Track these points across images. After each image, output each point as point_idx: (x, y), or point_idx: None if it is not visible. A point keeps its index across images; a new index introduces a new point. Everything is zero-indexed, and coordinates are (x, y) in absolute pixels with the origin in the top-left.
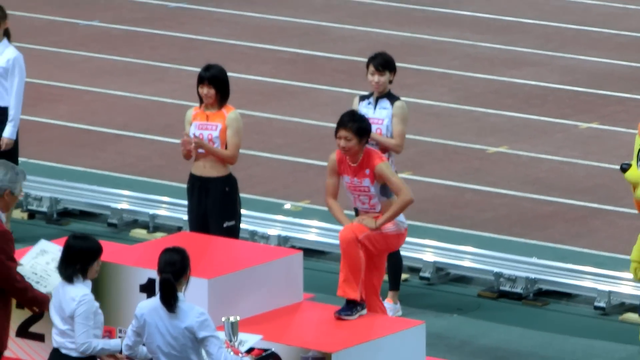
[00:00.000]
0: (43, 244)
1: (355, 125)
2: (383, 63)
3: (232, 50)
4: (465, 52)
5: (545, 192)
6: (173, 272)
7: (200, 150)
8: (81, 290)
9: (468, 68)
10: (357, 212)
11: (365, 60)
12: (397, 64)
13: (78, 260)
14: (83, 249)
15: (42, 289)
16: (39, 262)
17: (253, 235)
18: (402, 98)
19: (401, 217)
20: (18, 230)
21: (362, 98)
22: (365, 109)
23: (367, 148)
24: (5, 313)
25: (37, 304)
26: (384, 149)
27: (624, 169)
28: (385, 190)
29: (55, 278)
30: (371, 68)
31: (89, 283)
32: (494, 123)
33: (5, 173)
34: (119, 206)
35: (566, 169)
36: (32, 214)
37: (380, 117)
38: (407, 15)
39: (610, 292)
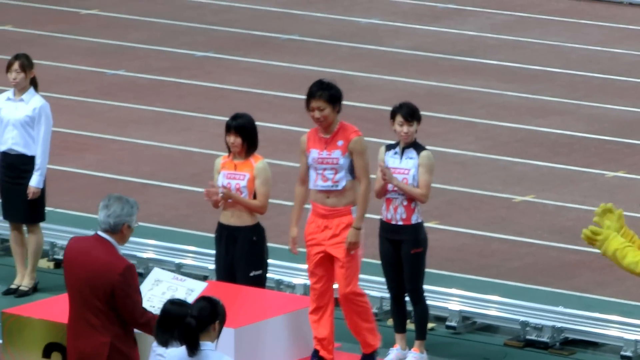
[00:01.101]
0: (156, 272)
1: (326, 93)
2: (411, 113)
3: (258, 99)
4: (491, 101)
5: (572, 241)
6: (198, 319)
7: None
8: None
9: (494, 117)
10: (315, 195)
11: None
12: (423, 113)
13: (173, 327)
14: (179, 316)
15: None
16: (155, 293)
17: (279, 284)
18: (428, 147)
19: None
20: (44, 280)
21: (389, 148)
22: (391, 159)
23: (342, 122)
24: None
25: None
26: (411, 198)
27: None
28: (352, 168)
29: None
30: (399, 119)
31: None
32: (520, 172)
33: (122, 208)
34: (145, 255)
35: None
36: (58, 264)
37: (407, 167)
38: (434, 64)
39: (637, 341)
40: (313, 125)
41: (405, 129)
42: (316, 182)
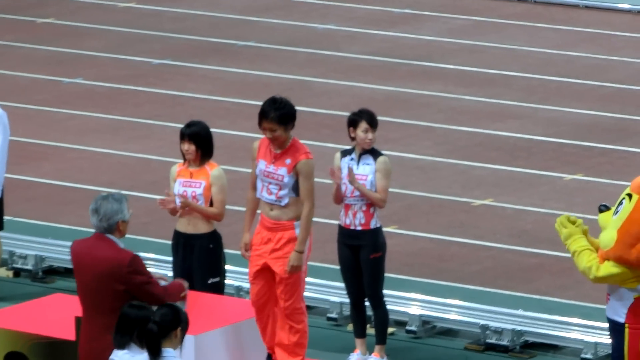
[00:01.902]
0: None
1: (277, 113)
2: (374, 120)
3: (216, 106)
4: (449, 106)
5: (531, 245)
6: (159, 324)
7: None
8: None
9: (452, 121)
10: (261, 205)
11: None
12: (381, 118)
13: (131, 329)
14: (137, 318)
15: None
16: None
17: (238, 290)
18: (387, 152)
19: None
20: (3, 289)
21: (345, 154)
22: (347, 165)
23: (295, 140)
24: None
25: (175, 296)
26: (370, 203)
27: (601, 210)
28: (297, 187)
29: None
30: (364, 125)
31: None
32: (479, 176)
33: (110, 207)
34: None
35: (552, 221)
36: (17, 272)
37: (364, 173)
38: (391, 70)
39: (597, 344)
40: None
41: (370, 135)
42: (262, 192)
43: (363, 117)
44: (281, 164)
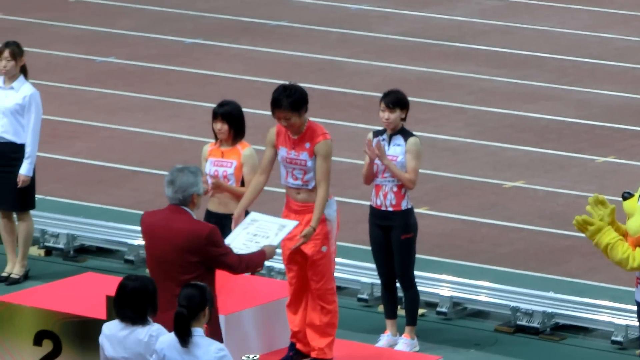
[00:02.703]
0: (253, 214)
1: (289, 101)
2: (394, 100)
3: (248, 85)
4: (480, 87)
5: (562, 227)
6: (188, 307)
7: None
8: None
9: (484, 103)
10: (287, 190)
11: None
12: (413, 99)
13: (130, 301)
14: (136, 290)
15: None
16: (249, 231)
17: (270, 271)
18: (418, 133)
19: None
20: (35, 268)
21: (376, 134)
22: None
23: (311, 122)
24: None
25: (256, 265)
26: (400, 184)
27: (625, 197)
28: None
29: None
30: (382, 105)
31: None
32: (510, 158)
33: (186, 179)
34: (136, 242)
35: (583, 203)
36: (49, 251)
37: (394, 154)
38: (423, 50)
39: (627, 326)
40: None
41: (386, 115)
42: (287, 179)
43: (383, 97)
44: (301, 148)
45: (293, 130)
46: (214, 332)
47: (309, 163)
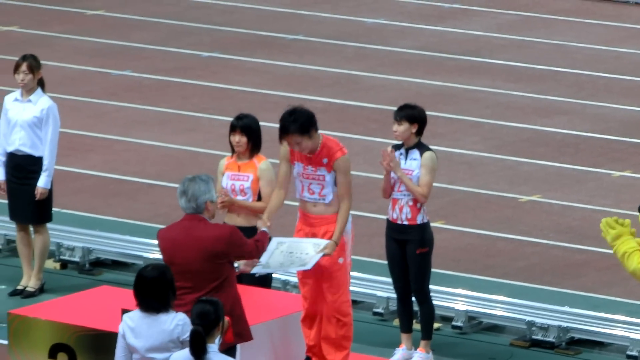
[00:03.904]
0: (276, 239)
1: (296, 126)
2: (402, 114)
3: (264, 99)
4: (497, 101)
5: (578, 241)
6: (204, 325)
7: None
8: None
9: (500, 117)
10: (302, 204)
11: None
12: (429, 113)
13: (152, 290)
14: (154, 278)
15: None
16: (282, 249)
17: (285, 284)
18: (434, 147)
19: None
20: (51, 281)
21: (395, 148)
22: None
23: (326, 137)
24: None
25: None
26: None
27: None
28: None
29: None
30: (393, 118)
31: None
32: (526, 172)
33: (198, 187)
34: (151, 256)
35: (599, 218)
36: (64, 264)
37: (410, 167)
38: (439, 64)
39: None
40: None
41: (394, 127)
42: (303, 193)
43: (396, 110)
44: (319, 164)
45: (307, 152)
46: (240, 333)
47: (328, 177)
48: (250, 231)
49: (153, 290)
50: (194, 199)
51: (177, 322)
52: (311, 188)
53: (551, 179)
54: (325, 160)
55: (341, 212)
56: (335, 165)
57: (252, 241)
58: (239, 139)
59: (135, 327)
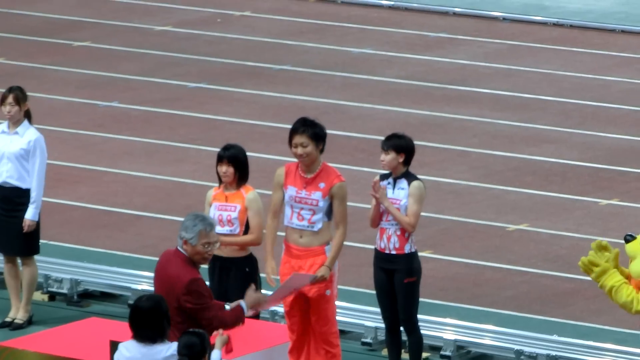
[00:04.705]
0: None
1: (310, 130)
2: (389, 144)
3: (251, 130)
4: (484, 130)
5: (566, 270)
6: (189, 355)
7: (220, 231)
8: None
9: (487, 146)
10: (288, 232)
11: None
12: (416, 142)
13: (148, 321)
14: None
15: None
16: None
17: (274, 315)
18: (422, 176)
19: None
20: (39, 313)
21: (382, 177)
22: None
23: (325, 163)
24: None
25: (232, 323)
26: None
27: (627, 240)
28: (331, 210)
29: None
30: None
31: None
32: (513, 201)
33: (184, 223)
34: (140, 287)
35: (587, 246)
36: (52, 296)
37: (398, 197)
38: (426, 94)
39: None
40: None
41: (382, 156)
42: (291, 219)
43: (384, 139)
44: (314, 188)
45: (306, 163)
46: None
47: (321, 203)
48: (237, 262)
49: (148, 320)
50: (180, 231)
51: (172, 352)
52: (301, 214)
53: (539, 208)
54: (322, 185)
55: (337, 239)
56: (333, 190)
57: (213, 314)
58: (226, 170)
59: (131, 357)
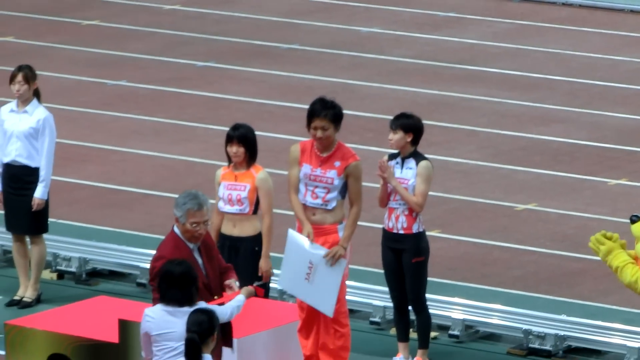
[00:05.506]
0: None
1: (330, 112)
2: (397, 123)
3: (259, 109)
4: (493, 110)
5: (574, 249)
6: (199, 332)
7: (230, 210)
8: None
9: (496, 125)
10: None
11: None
12: (424, 122)
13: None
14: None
15: None
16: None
17: (282, 294)
18: (430, 156)
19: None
20: (48, 291)
21: (391, 157)
22: (393, 168)
23: (340, 142)
24: None
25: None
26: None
27: (633, 220)
28: (345, 189)
29: None
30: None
31: None
32: (522, 180)
33: (176, 200)
34: (148, 266)
35: (595, 226)
36: (61, 275)
37: (406, 177)
38: (435, 73)
39: None
40: None
41: (390, 136)
42: (305, 197)
43: (392, 119)
44: (329, 166)
45: (323, 145)
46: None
47: (336, 182)
48: (246, 241)
49: (178, 283)
50: (173, 208)
51: None
52: (315, 192)
53: (547, 188)
54: (337, 164)
55: (351, 217)
56: (348, 169)
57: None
58: (237, 150)
59: (156, 319)
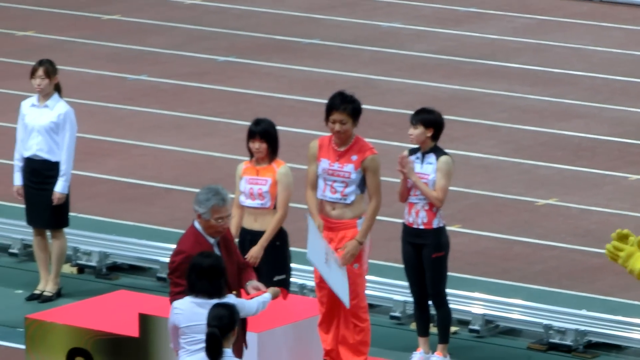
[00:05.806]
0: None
1: (350, 106)
2: (417, 118)
3: (280, 103)
4: (514, 105)
5: (595, 244)
6: (220, 327)
7: (251, 204)
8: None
9: (517, 120)
10: (321, 205)
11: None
12: (445, 117)
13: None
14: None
15: None
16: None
17: (302, 288)
18: (451, 151)
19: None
20: (68, 285)
21: (411, 152)
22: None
23: (358, 136)
24: None
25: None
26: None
27: None
28: (363, 183)
29: None
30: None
31: None
32: (543, 175)
33: (196, 196)
34: (168, 260)
35: (616, 221)
36: (81, 269)
37: (426, 172)
38: (456, 68)
39: None
40: None
41: (410, 130)
42: (324, 192)
43: (413, 114)
44: (347, 160)
45: (341, 139)
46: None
47: (353, 175)
48: (262, 236)
49: (206, 274)
50: (193, 205)
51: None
52: (334, 187)
53: (568, 183)
54: (354, 157)
55: (369, 211)
56: (366, 163)
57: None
58: (259, 146)
59: (185, 311)
